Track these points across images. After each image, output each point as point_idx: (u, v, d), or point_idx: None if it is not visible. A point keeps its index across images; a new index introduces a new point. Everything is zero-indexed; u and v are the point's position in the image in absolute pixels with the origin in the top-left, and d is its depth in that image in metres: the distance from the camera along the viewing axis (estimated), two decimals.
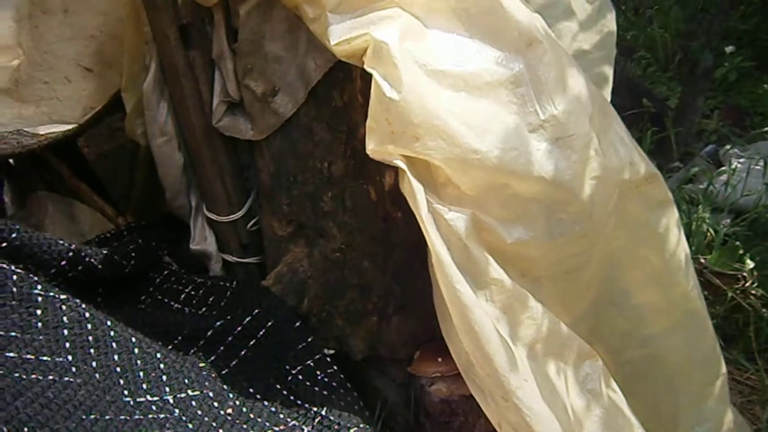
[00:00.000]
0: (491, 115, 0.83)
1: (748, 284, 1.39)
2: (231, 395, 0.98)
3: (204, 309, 1.12)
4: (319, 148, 1.01)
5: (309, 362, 1.04)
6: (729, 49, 2.80)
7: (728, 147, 2.17)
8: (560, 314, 1.01)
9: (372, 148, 0.83)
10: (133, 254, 1.16)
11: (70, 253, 1.04)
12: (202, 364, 1.01)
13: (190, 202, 1.23)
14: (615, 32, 1.17)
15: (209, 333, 1.03)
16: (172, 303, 1.16)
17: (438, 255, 0.83)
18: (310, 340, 1.06)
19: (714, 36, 2.25)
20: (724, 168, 2.00)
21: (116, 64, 1.16)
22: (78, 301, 0.90)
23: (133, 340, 0.93)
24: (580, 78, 0.88)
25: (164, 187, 1.18)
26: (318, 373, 1.03)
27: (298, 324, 1.06)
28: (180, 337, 1.04)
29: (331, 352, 1.20)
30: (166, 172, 1.15)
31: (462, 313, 0.85)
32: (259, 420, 0.96)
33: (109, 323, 0.91)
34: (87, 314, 0.90)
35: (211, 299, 1.13)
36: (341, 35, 0.81)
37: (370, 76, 0.82)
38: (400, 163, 0.83)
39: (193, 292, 1.16)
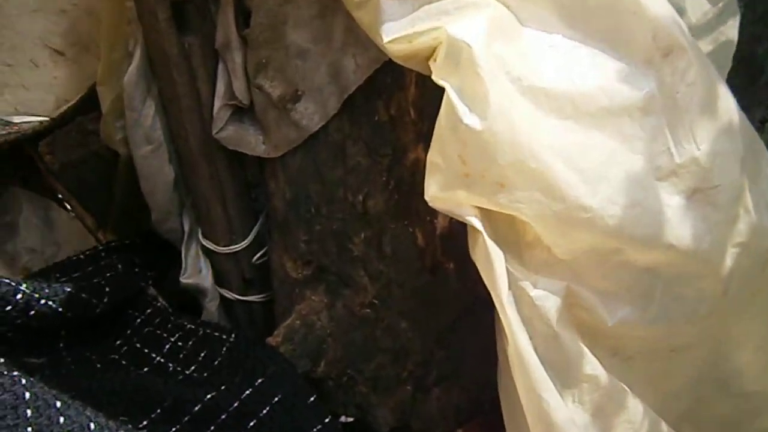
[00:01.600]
0: (608, 154, 0.58)
1: None
2: None
3: (193, 368, 0.88)
4: (353, 175, 0.76)
5: None
6: None
7: None
8: (647, 392, 0.76)
9: (433, 193, 0.58)
10: (107, 288, 0.91)
11: (19, 296, 0.79)
12: None
13: (182, 225, 0.98)
14: (735, 42, 0.91)
15: (197, 408, 0.79)
16: (154, 355, 0.91)
17: (519, 350, 0.59)
18: (327, 421, 0.81)
19: None
20: None
21: (95, 47, 0.90)
22: (16, 375, 0.65)
23: (92, 427, 0.69)
24: (731, 103, 0.62)
25: (150, 206, 0.93)
26: None
27: (312, 399, 0.81)
28: (159, 410, 0.79)
29: (350, 420, 0.97)
30: (152, 189, 0.90)
31: (547, 429, 0.60)
32: None
33: (57, 405, 0.67)
34: (27, 395, 0.65)
35: (202, 355, 0.89)
36: (400, 30, 0.56)
37: (428, 81, 0.57)
38: (474, 221, 0.58)
39: (180, 343, 0.91)
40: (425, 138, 0.70)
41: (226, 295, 1.01)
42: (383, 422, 0.92)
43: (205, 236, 0.96)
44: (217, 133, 0.81)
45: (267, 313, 0.99)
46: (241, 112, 0.81)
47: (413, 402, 0.90)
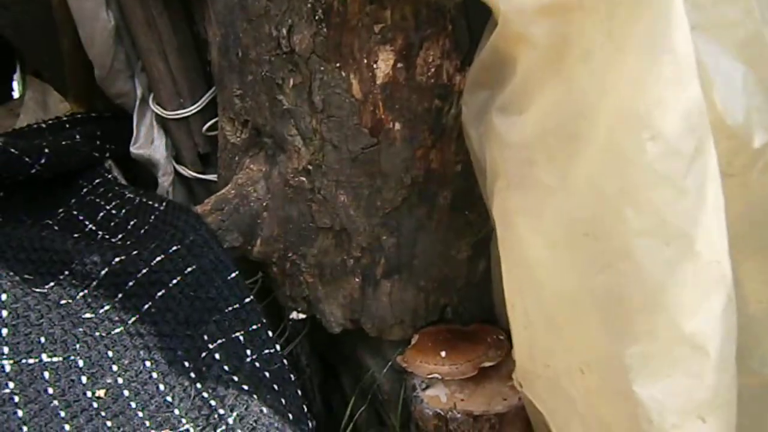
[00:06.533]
0: None
1: None
2: (112, 368, 0.66)
3: (120, 236, 0.80)
4: (276, 2, 0.63)
5: (238, 335, 0.69)
6: None
7: None
8: None
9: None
10: (47, 150, 0.84)
11: None
12: (88, 315, 0.70)
13: (135, 89, 0.89)
14: None
15: (104, 271, 0.71)
16: (87, 222, 0.84)
17: None
18: (247, 301, 0.71)
19: None
20: None
21: None
22: None
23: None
24: None
25: (91, 60, 0.84)
26: (248, 353, 0.68)
27: (232, 276, 0.71)
28: (67, 272, 0.72)
29: (302, 316, 0.86)
30: (90, 39, 0.81)
31: None
32: (139, 414, 0.63)
33: None
34: None
35: (132, 224, 0.80)
36: None
37: None
38: None
39: (114, 211, 0.83)
40: None
41: (183, 173, 0.92)
42: (333, 320, 0.81)
43: (155, 99, 0.87)
44: None
45: None
46: None
47: (362, 297, 0.78)
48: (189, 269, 0.70)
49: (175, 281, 0.70)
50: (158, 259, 0.70)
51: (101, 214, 0.83)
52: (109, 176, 0.92)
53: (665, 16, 0.37)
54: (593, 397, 0.47)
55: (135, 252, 0.71)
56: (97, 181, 0.90)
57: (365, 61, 0.63)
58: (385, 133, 0.66)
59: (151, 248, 0.71)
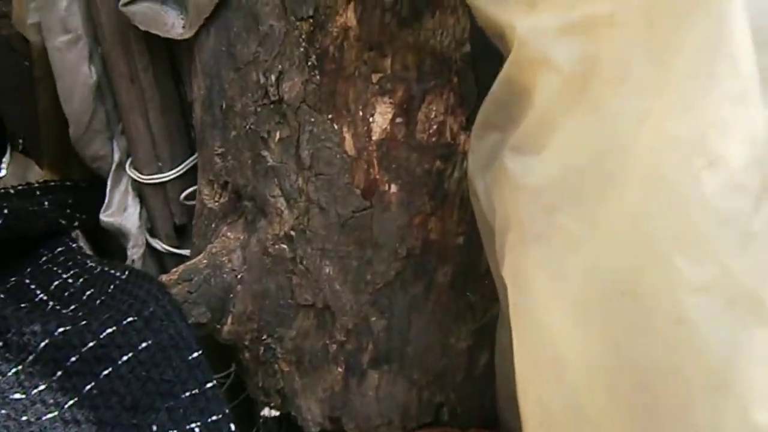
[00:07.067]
0: None
1: None
2: None
3: (73, 307, 0.70)
4: (265, 48, 0.58)
5: (194, 426, 0.58)
6: None
7: None
8: None
9: None
10: (5, 210, 0.76)
11: None
12: (17, 396, 0.59)
13: (112, 153, 0.83)
14: None
15: (43, 343, 0.60)
16: (38, 291, 0.74)
17: None
18: (208, 386, 0.60)
19: None
20: None
21: None
22: None
23: None
24: None
25: (68, 117, 0.78)
26: None
27: (194, 356, 0.61)
28: (0, 344, 0.62)
29: (274, 414, 0.75)
30: (69, 93, 0.76)
31: None
32: None
33: None
34: None
35: (88, 294, 0.70)
36: None
37: None
38: None
39: (70, 281, 0.74)
40: None
41: (156, 245, 0.83)
42: (310, 418, 0.70)
43: (132, 165, 0.80)
44: (122, 5, 0.66)
45: None
46: None
47: (345, 390, 0.67)
48: (143, 344, 0.60)
49: (125, 358, 0.59)
50: (109, 331, 0.60)
51: (56, 283, 0.74)
52: (74, 245, 0.83)
53: (720, 20, 0.31)
54: None
55: (84, 323, 0.62)
56: (58, 249, 0.81)
57: (360, 113, 0.56)
58: (380, 195, 0.59)
59: (102, 319, 0.62)
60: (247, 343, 0.69)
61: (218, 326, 0.67)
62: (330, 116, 0.57)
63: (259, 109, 0.60)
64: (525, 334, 0.41)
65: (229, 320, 0.67)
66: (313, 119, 0.57)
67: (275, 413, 0.74)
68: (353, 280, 0.62)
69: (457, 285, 0.63)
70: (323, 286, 0.62)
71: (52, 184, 0.95)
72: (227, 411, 0.60)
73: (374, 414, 0.67)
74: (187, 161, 0.79)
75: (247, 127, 0.61)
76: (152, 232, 0.84)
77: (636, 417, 0.35)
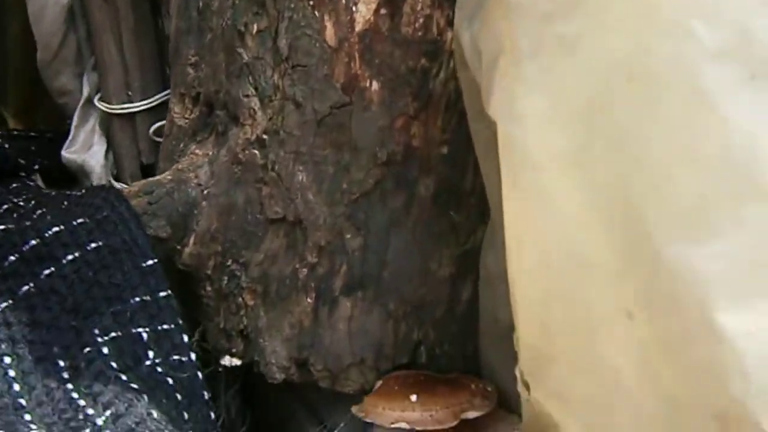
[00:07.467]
0: None
1: None
2: None
3: (19, 222, 0.64)
4: None
5: (140, 330, 0.52)
6: None
7: None
8: None
9: None
10: None
11: None
12: None
13: (81, 86, 0.79)
14: None
15: None
16: None
17: None
18: (161, 295, 0.54)
19: None
20: None
21: None
22: None
23: None
24: None
25: (36, 40, 0.74)
26: (149, 354, 0.50)
27: (148, 263, 0.55)
28: None
29: (236, 362, 0.67)
30: (39, 14, 0.73)
31: None
32: None
33: None
34: None
35: (38, 213, 0.65)
36: None
37: None
38: None
39: (21, 203, 0.68)
40: None
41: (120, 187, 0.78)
42: (275, 362, 0.63)
43: (101, 97, 0.76)
44: None
45: None
46: None
47: (314, 324, 0.61)
48: (93, 245, 0.54)
49: (70, 257, 0.54)
50: (55, 229, 0.55)
51: (5, 206, 0.68)
52: (30, 183, 0.78)
53: None
54: (650, 347, 0.31)
55: (28, 223, 0.56)
56: (14, 185, 0.76)
57: (343, 1, 0.53)
58: (360, 92, 0.55)
59: (49, 220, 0.56)
60: (209, 271, 0.63)
61: (179, 247, 0.62)
62: (311, 2, 0.54)
63: (237, 1, 0.56)
64: (517, 174, 0.37)
65: (192, 240, 0.62)
66: (293, 5, 0.54)
67: (236, 362, 0.67)
68: (328, 189, 0.57)
69: (439, 201, 0.58)
70: (295, 196, 0.57)
71: (16, 132, 0.91)
72: (181, 323, 0.54)
73: (345, 352, 0.61)
74: (159, 95, 0.75)
75: (224, 23, 0.58)
76: (117, 177, 0.79)
77: (649, 227, 0.31)
